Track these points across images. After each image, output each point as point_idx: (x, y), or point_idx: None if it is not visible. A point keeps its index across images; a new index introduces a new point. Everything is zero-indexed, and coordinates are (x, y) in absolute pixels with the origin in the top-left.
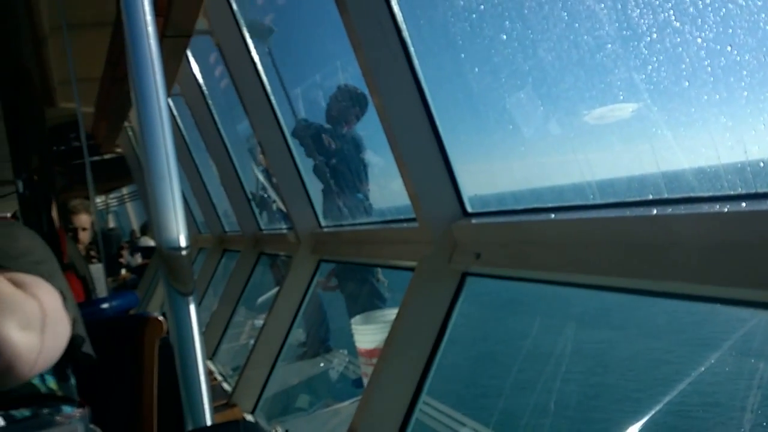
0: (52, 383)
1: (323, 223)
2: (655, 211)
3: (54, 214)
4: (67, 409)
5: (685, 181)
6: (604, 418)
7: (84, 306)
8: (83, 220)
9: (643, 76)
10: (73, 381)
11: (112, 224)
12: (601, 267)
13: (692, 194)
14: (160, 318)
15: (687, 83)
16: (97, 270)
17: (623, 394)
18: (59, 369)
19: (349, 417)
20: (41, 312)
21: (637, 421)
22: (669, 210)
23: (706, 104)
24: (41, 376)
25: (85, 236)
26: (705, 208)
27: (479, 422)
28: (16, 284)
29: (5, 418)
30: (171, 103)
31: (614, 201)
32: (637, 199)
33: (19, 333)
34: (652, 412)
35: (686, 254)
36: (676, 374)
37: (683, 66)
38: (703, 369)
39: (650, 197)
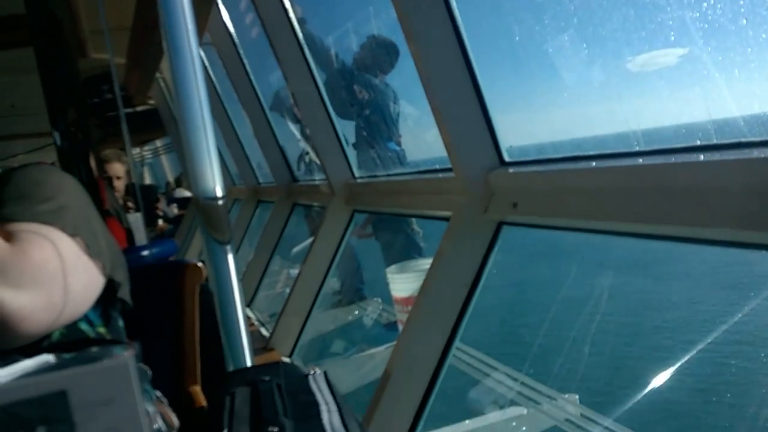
0: (101, 328)
1: (357, 174)
2: (701, 157)
3: (92, 164)
4: (116, 350)
5: (737, 128)
6: (637, 365)
7: (124, 253)
8: (117, 169)
9: (697, 14)
10: (120, 323)
11: (147, 177)
12: (642, 214)
13: (742, 139)
14: (200, 264)
15: (744, 21)
16: (135, 220)
17: (657, 342)
18: (105, 313)
19: (383, 361)
20: (35, 266)
21: (671, 367)
22: (717, 156)
23: (765, 44)
24: (89, 322)
25: (120, 185)
26: (755, 153)
27: (512, 368)
28: (8, 239)
29: (57, 359)
30: (202, 53)
31: (657, 147)
32: (683, 145)
33: (10, 293)
34: (687, 357)
35: (733, 200)
36: (712, 322)
37: (741, 2)
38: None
39: (697, 143)
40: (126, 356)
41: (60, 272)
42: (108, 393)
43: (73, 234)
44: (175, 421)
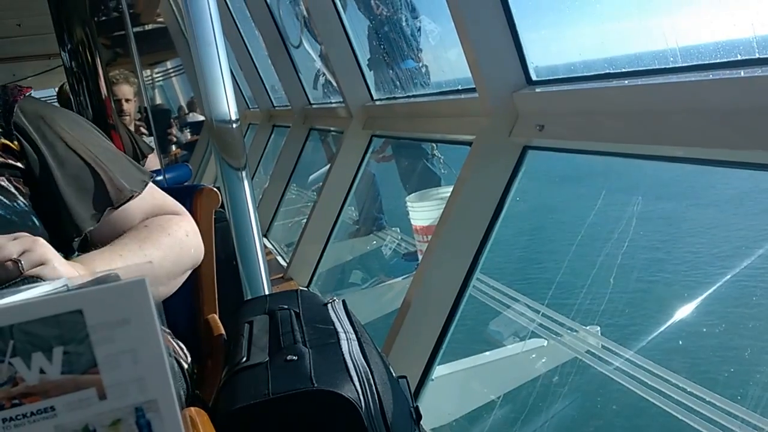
0: None
1: (375, 96)
2: (742, 73)
3: (101, 85)
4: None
5: None
6: (662, 294)
7: None
8: (126, 90)
9: None
10: None
11: (159, 100)
12: (677, 136)
13: None
14: (215, 188)
15: None
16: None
17: (687, 269)
18: None
19: (402, 292)
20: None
21: (699, 296)
22: (759, 71)
23: None
24: None
25: (129, 107)
26: None
27: (534, 299)
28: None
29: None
30: None
31: (695, 63)
32: (721, 60)
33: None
34: (715, 286)
35: None
36: (743, 248)
37: None
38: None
39: (738, 57)
40: (142, 275)
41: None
42: (125, 313)
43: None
44: (184, 351)
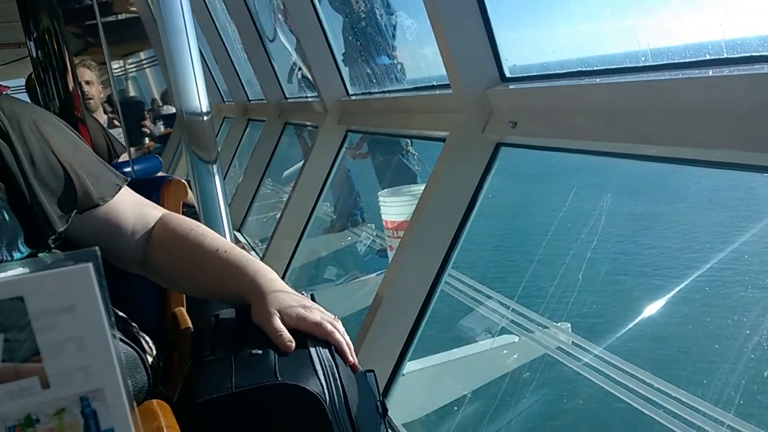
0: None
1: (351, 91)
2: (710, 72)
3: (69, 76)
4: (80, 257)
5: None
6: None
7: None
8: (83, 73)
9: None
10: None
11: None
12: (648, 135)
13: (754, 53)
14: (183, 180)
15: None
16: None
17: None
18: None
19: (375, 288)
20: None
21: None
22: (726, 71)
23: None
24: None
25: (90, 89)
26: (766, 68)
27: (505, 295)
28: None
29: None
30: None
31: (666, 62)
32: (692, 59)
33: None
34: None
35: (742, 120)
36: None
37: None
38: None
39: (707, 56)
40: (87, 261)
41: None
42: (68, 300)
43: None
44: (150, 345)
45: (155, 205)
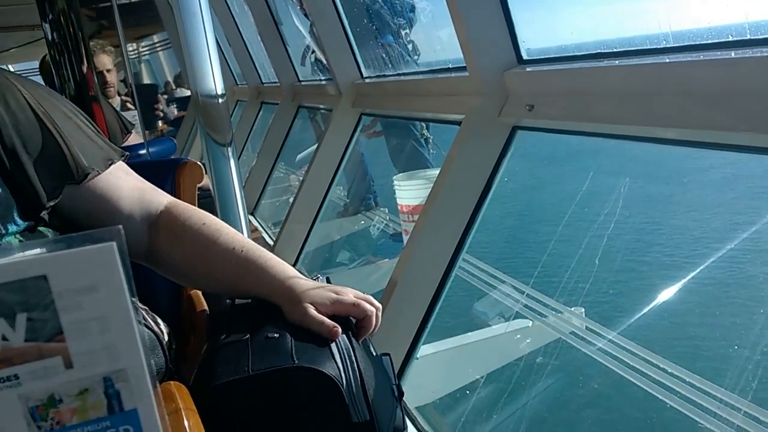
0: None
1: (365, 73)
2: (732, 54)
3: (83, 58)
4: (104, 235)
5: None
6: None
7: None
8: (104, 60)
9: None
10: None
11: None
12: (667, 117)
13: None
14: (199, 163)
15: None
16: (133, 118)
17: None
18: None
19: (389, 272)
20: None
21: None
22: (749, 53)
23: None
24: None
25: (111, 77)
26: None
27: (519, 280)
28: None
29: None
30: None
31: (685, 44)
32: (714, 41)
33: None
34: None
35: (763, 101)
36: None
37: None
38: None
39: (729, 38)
40: (111, 240)
41: None
42: (92, 279)
43: None
44: (161, 326)
45: (161, 191)
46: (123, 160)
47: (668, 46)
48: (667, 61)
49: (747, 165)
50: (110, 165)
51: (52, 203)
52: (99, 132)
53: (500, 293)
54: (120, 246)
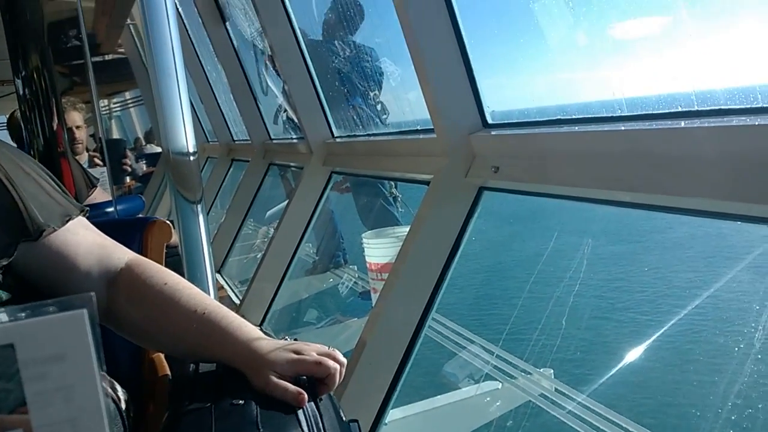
0: None
1: (336, 133)
2: (683, 123)
3: (54, 113)
4: (73, 302)
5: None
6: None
7: (89, 208)
8: (74, 117)
9: None
10: None
11: (115, 131)
12: (624, 182)
13: (723, 106)
14: (168, 221)
15: None
16: (101, 174)
17: (636, 311)
18: None
19: (358, 332)
20: None
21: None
22: (697, 123)
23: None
24: None
25: (80, 134)
26: (734, 120)
27: (488, 340)
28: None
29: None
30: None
31: (641, 113)
32: (665, 111)
33: None
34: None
35: (713, 169)
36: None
37: None
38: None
39: (679, 109)
40: (81, 308)
41: None
42: (60, 348)
43: None
44: (119, 392)
45: (123, 247)
46: (83, 215)
47: (624, 114)
48: (623, 128)
49: (702, 226)
50: (68, 221)
51: (5, 261)
52: (61, 188)
53: (469, 353)
54: (91, 313)
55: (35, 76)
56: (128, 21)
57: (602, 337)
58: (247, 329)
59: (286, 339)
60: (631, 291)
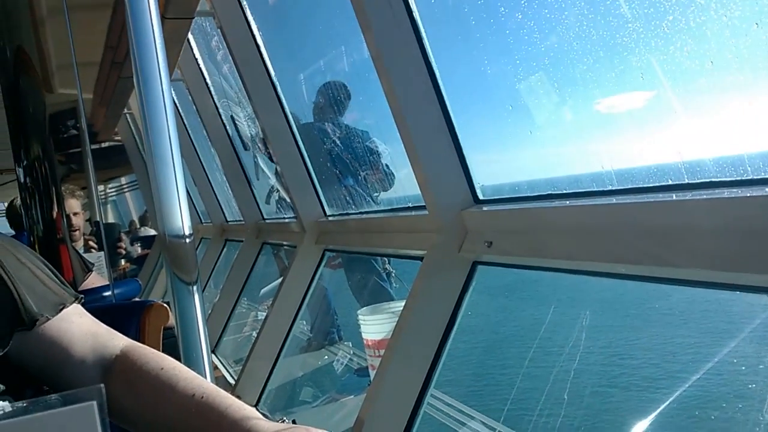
0: None
1: (329, 212)
2: (674, 196)
3: (54, 202)
4: (79, 394)
5: (707, 170)
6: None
7: (86, 294)
8: (72, 204)
9: (665, 56)
10: None
11: (110, 215)
12: (617, 255)
13: (713, 179)
14: (165, 304)
15: (711, 63)
16: (97, 259)
17: (639, 384)
18: None
19: (355, 410)
20: None
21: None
22: (689, 195)
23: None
24: None
25: (78, 221)
26: (725, 193)
27: (489, 416)
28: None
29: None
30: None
31: (631, 186)
32: (656, 184)
33: None
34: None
35: (706, 241)
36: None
37: (707, 46)
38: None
39: (669, 182)
40: (90, 400)
41: None
42: None
43: None
44: None
45: (118, 334)
46: (78, 303)
47: (614, 188)
48: (614, 202)
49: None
50: (62, 309)
51: (0, 352)
52: (57, 276)
53: (470, 431)
54: (100, 405)
55: (36, 164)
56: (125, 110)
57: (605, 411)
58: (245, 412)
59: (284, 421)
60: (630, 362)
